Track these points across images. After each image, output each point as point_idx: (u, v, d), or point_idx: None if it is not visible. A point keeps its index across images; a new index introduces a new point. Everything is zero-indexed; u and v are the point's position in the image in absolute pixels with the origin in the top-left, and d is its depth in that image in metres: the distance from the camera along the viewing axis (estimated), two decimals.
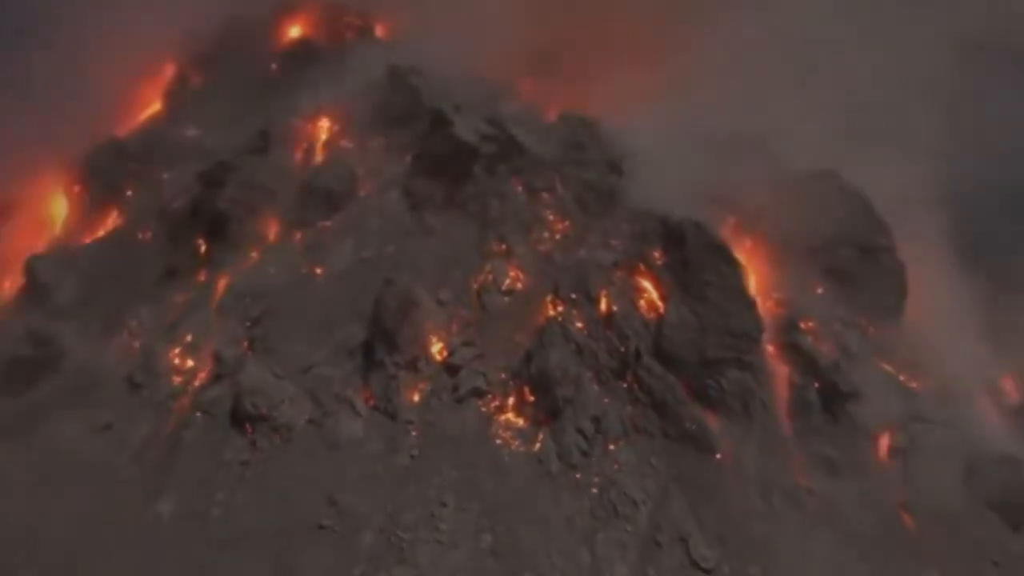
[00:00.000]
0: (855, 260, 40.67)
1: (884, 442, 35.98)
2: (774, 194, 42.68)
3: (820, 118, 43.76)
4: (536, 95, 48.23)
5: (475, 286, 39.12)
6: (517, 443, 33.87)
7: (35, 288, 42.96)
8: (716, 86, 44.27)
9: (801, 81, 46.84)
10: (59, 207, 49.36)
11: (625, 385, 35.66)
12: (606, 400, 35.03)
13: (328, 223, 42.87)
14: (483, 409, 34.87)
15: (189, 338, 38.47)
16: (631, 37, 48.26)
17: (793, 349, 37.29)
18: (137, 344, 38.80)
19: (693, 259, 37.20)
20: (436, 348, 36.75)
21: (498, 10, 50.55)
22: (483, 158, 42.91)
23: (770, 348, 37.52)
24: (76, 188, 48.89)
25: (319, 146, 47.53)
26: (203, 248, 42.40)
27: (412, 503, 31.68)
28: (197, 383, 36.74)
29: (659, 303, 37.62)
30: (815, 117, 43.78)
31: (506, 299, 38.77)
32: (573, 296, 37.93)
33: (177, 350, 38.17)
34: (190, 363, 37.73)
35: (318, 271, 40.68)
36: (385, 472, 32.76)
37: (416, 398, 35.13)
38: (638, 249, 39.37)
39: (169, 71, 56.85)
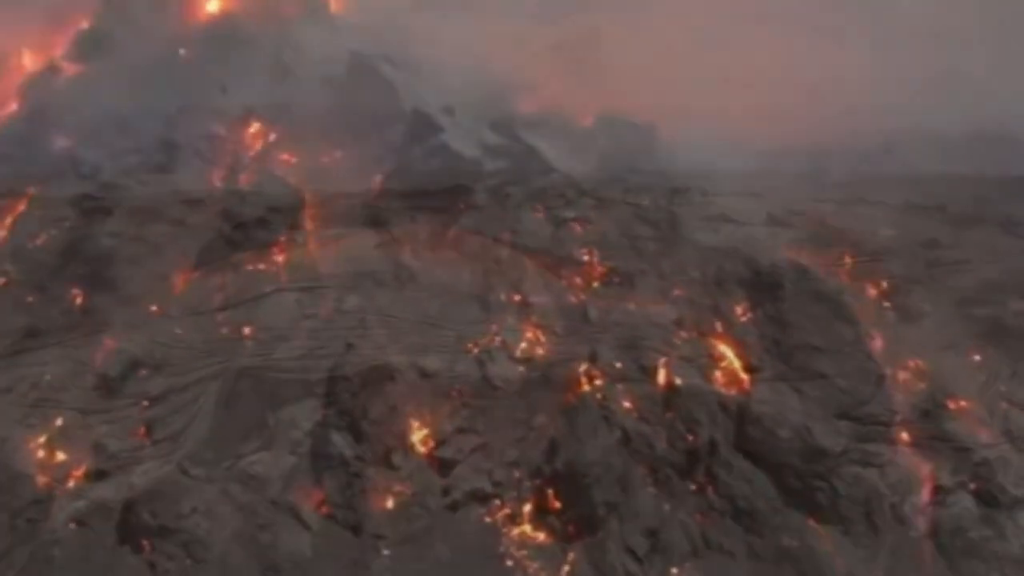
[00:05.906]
0: None
1: None
2: (909, 226, 49.05)
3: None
4: (563, 91, 55.36)
5: (475, 351, 44.76)
6: (536, 565, 38.61)
7: None
8: (816, 74, 50.87)
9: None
10: None
11: (694, 487, 40.77)
12: (666, 507, 40.02)
13: (260, 266, 48.68)
14: (487, 519, 39.81)
15: (59, 422, 43.33)
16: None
17: (939, 438, 42.47)
18: None
19: (793, 315, 43.01)
20: (419, 436, 41.98)
21: None
22: (488, 177, 50.08)
23: (904, 436, 42.74)
24: None
25: (248, 161, 54.31)
26: (80, 299, 47.70)
27: None
28: (71, 484, 41.32)
29: (743, 375, 43.25)
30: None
31: (520, 369, 44.18)
32: (618, 365, 43.53)
33: (42, 439, 42.88)
34: (60, 456, 42.37)
35: (246, 331, 46.08)
36: None
37: (389, 504, 39.94)
38: (712, 301, 45.25)
39: (32, 56, 63.89)
